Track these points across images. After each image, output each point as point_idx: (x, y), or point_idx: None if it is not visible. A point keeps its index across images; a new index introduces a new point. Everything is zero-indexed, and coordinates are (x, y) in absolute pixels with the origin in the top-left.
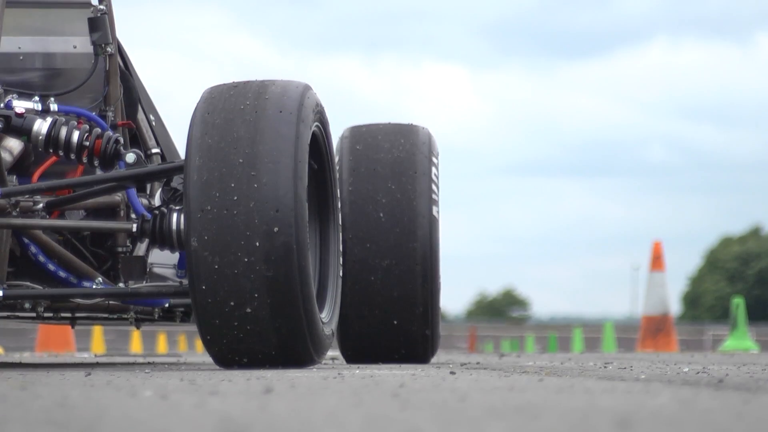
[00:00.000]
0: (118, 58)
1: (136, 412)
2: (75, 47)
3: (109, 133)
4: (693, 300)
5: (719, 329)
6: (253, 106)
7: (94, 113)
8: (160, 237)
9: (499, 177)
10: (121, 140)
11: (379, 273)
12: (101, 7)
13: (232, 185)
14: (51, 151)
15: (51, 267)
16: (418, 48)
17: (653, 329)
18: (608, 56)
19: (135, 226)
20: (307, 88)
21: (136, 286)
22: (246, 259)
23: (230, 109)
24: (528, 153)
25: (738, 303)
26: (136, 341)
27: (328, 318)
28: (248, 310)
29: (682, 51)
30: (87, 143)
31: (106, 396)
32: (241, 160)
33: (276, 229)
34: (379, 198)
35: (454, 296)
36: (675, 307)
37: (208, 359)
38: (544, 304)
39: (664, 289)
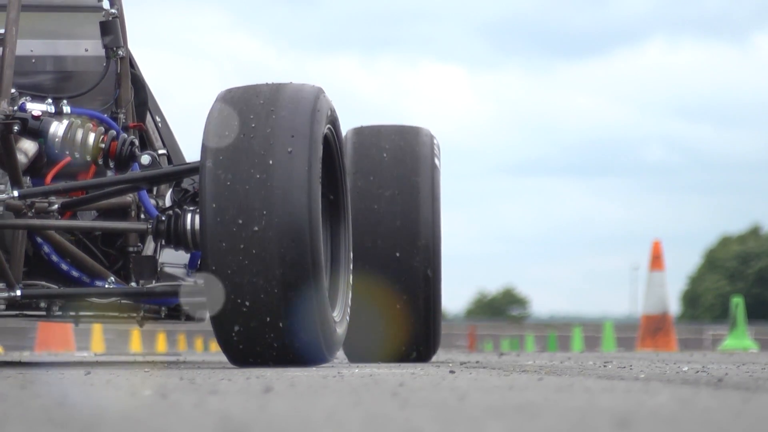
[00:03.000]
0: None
1: (135, 412)
2: (87, 50)
3: (124, 135)
4: (692, 299)
5: (718, 328)
6: (268, 108)
7: (106, 115)
8: (175, 237)
9: (498, 177)
10: (136, 142)
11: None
12: (113, 11)
13: (247, 187)
14: (67, 152)
15: (64, 267)
16: (416, 48)
17: (653, 328)
18: (606, 56)
19: (150, 226)
20: (320, 91)
21: (150, 285)
22: (261, 263)
23: (245, 111)
24: (527, 152)
25: (737, 302)
26: (135, 341)
27: (340, 317)
28: (262, 309)
29: (680, 51)
30: (103, 145)
31: (105, 395)
32: (255, 167)
33: (291, 233)
34: (381, 196)
35: (454, 295)
36: (674, 307)
37: (208, 358)
38: (543, 303)
39: (663, 288)
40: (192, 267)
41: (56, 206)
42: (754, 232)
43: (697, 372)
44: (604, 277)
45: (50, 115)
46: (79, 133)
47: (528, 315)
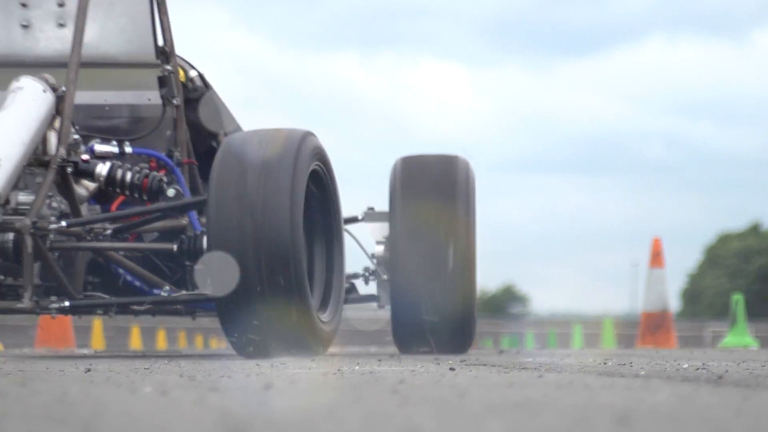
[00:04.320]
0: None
1: (135, 408)
2: (149, 99)
3: (155, 173)
4: (692, 296)
5: (719, 325)
6: (261, 151)
7: (163, 154)
8: (194, 253)
9: (497, 174)
10: (165, 179)
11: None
12: (168, 68)
13: (243, 213)
14: (110, 188)
15: (128, 278)
16: (415, 46)
17: (653, 326)
18: (606, 54)
19: (175, 247)
20: (306, 134)
21: (196, 292)
22: (257, 271)
23: (241, 155)
24: (526, 150)
25: (737, 299)
26: (135, 337)
27: (329, 318)
28: (259, 307)
29: (680, 48)
30: (137, 182)
31: (105, 392)
32: (250, 201)
33: (278, 245)
34: (423, 215)
35: None
36: (674, 304)
37: (208, 355)
38: (543, 300)
39: (663, 285)
40: None
41: (108, 231)
42: (755, 229)
43: (698, 369)
44: (604, 274)
45: (113, 155)
46: (119, 173)
47: (528, 312)
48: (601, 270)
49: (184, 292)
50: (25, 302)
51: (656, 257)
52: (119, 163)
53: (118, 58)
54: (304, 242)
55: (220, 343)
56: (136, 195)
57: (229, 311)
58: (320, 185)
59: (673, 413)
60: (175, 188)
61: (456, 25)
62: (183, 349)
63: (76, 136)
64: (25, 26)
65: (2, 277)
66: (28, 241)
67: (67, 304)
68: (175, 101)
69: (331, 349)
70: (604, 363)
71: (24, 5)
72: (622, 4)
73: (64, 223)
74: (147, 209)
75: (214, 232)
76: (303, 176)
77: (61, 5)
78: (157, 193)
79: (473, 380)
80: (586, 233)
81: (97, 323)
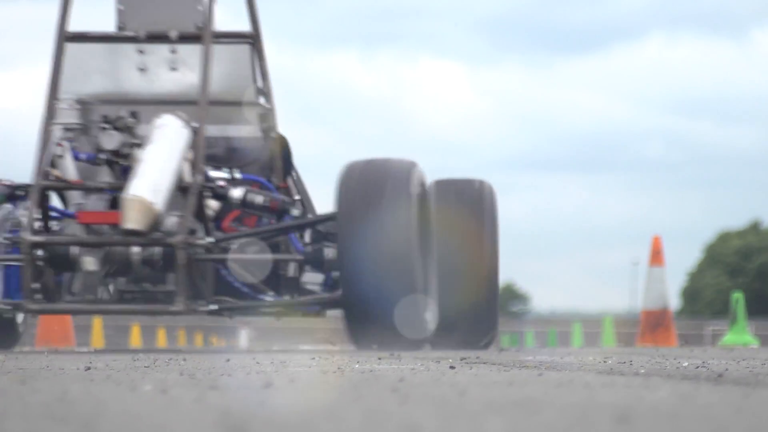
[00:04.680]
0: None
1: (135, 407)
2: (251, 133)
3: (281, 196)
4: (692, 295)
5: (719, 324)
6: (380, 177)
7: (264, 179)
8: (319, 265)
9: (497, 172)
10: (288, 200)
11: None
12: (268, 106)
13: (368, 231)
14: (244, 209)
15: (237, 285)
16: (415, 44)
17: (653, 324)
18: (605, 52)
19: (302, 257)
20: (412, 164)
21: (301, 299)
22: (381, 280)
23: (361, 180)
24: (526, 148)
25: (738, 298)
26: (135, 336)
27: (430, 318)
28: (381, 311)
29: (679, 47)
30: (267, 204)
31: (105, 390)
32: (371, 218)
33: (399, 258)
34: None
35: None
36: (674, 302)
37: (208, 353)
38: (543, 298)
39: (663, 283)
40: (326, 285)
41: (235, 246)
42: (755, 228)
43: (697, 367)
44: (604, 273)
45: (227, 180)
46: (250, 195)
47: (528, 310)
48: (602, 268)
49: (287, 297)
50: (179, 305)
51: (656, 255)
52: (249, 187)
53: (226, 97)
54: (418, 256)
55: (219, 341)
56: (266, 215)
57: (355, 315)
58: (422, 208)
59: (673, 411)
60: (299, 209)
61: (455, 23)
62: (183, 347)
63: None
64: (141, 70)
65: (150, 285)
66: (182, 255)
67: (215, 307)
68: (272, 135)
69: (331, 347)
70: (604, 361)
71: (141, 52)
72: (621, 2)
73: (212, 239)
74: (286, 225)
75: (344, 245)
76: (414, 201)
77: (173, 52)
78: (283, 213)
79: (473, 378)
80: (586, 231)
81: (97, 322)
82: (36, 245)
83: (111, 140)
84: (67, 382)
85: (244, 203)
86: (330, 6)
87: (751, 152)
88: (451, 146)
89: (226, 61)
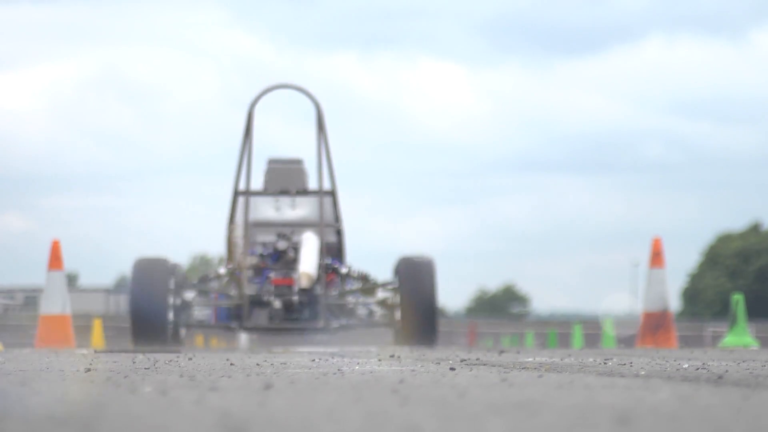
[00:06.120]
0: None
1: (135, 408)
2: (324, 221)
3: (347, 268)
4: (693, 296)
5: (719, 325)
6: (419, 260)
7: (336, 259)
8: (392, 307)
9: (497, 174)
10: (352, 270)
11: None
12: (340, 228)
13: (412, 290)
14: (338, 276)
15: (342, 316)
16: (414, 45)
17: (653, 325)
18: (604, 53)
19: (378, 301)
20: (432, 260)
21: (351, 322)
22: (417, 315)
23: (410, 260)
24: (526, 150)
25: (738, 299)
26: None
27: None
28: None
29: (678, 48)
30: (346, 273)
31: (105, 392)
32: (417, 283)
33: (428, 304)
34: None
35: (454, 292)
36: (675, 304)
37: (208, 355)
38: (543, 300)
39: (663, 285)
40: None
41: (335, 293)
42: (755, 229)
43: (698, 369)
44: (604, 274)
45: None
46: (345, 270)
47: (528, 312)
48: (602, 270)
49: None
50: (320, 323)
51: (656, 257)
52: (340, 263)
53: (317, 222)
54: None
55: (220, 343)
56: (348, 279)
57: (405, 335)
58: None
59: (674, 413)
60: (356, 279)
61: (455, 25)
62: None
63: None
64: (276, 209)
65: (299, 316)
66: (323, 300)
67: (337, 325)
68: (343, 239)
69: (331, 349)
70: (605, 363)
71: (276, 200)
72: (620, 4)
73: (336, 293)
74: (365, 287)
75: (404, 299)
76: (435, 274)
77: (293, 199)
78: (347, 277)
79: (473, 380)
80: (586, 233)
81: (97, 323)
82: (250, 296)
83: (283, 244)
84: (67, 383)
85: (343, 274)
86: (330, 7)
87: (752, 154)
88: (450, 147)
89: (323, 206)
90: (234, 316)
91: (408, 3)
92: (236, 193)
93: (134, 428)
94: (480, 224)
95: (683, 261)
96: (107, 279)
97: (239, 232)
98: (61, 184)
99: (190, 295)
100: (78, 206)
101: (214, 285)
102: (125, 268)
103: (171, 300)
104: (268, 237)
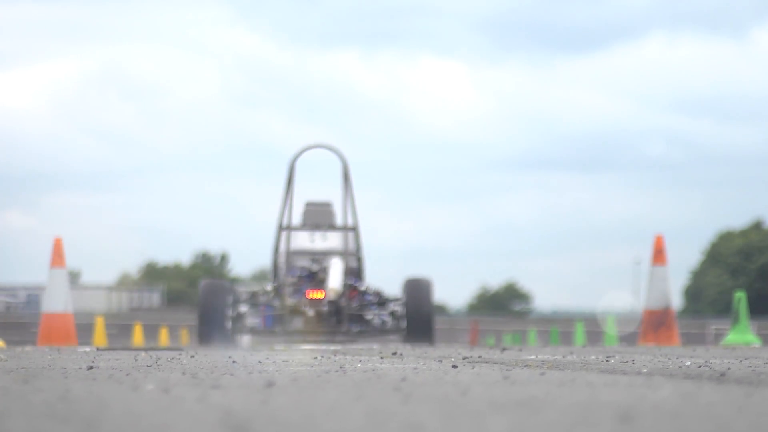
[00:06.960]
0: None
1: (138, 406)
2: (347, 250)
3: (365, 287)
4: (695, 294)
5: (721, 323)
6: (424, 281)
7: (355, 278)
8: (399, 317)
9: (499, 171)
10: (364, 288)
11: None
12: (360, 254)
13: (416, 301)
14: (358, 292)
15: (361, 324)
16: (416, 43)
17: (655, 323)
18: (606, 51)
19: (390, 314)
20: (431, 281)
21: (364, 329)
22: (422, 322)
23: (416, 281)
24: (528, 147)
25: (740, 297)
26: (138, 335)
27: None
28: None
29: (680, 46)
30: (365, 289)
31: (107, 390)
32: (419, 297)
33: (426, 312)
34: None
35: (457, 290)
36: (677, 301)
37: (210, 352)
38: (546, 297)
39: (665, 282)
40: (380, 320)
41: (356, 305)
42: (757, 227)
43: (700, 367)
44: (606, 272)
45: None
46: (365, 286)
47: (530, 310)
48: (604, 267)
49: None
50: (344, 329)
51: (658, 255)
52: (359, 281)
53: (343, 251)
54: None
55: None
56: (367, 294)
57: (409, 338)
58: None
59: (676, 410)
60: (376, 295)
61: (457, 22)
62: (185, 346)
63: None
64: (311, 241)
65: (325, 323)
66: (346, 310)
67: (357, 330)
68: (362, 263)
69: (334, 347)
70: (607, 360)
71: (311, 233)
72: (622, 2)
73: (356, 305)
74: (376, 301)
75: (410, 310)
76: (433, 290)
77: (324, 233)
78: (379, 295)
79: (475, 378)
80: (589, 231)
81: (99, 320)
82: (290, 307)
83: (315, 267)
84: (70, 381)
85: (362, 291)
86: (331, 5)
87: (754, 151)
88: (452, 145)
89: (347, 238)
90: (277, 323)
91: (410, 1)
92: (280, 228)
93: (136, 426)
94: (482, 222)
95: (685, 258)
96: (109, 277)
97: (282, 258)
98: (63, 181)
99: (244, 308)
100: (80, 204)
101: (262, 299)
102: (127, 266)
103: (229, 312)
104: (304, 262)
